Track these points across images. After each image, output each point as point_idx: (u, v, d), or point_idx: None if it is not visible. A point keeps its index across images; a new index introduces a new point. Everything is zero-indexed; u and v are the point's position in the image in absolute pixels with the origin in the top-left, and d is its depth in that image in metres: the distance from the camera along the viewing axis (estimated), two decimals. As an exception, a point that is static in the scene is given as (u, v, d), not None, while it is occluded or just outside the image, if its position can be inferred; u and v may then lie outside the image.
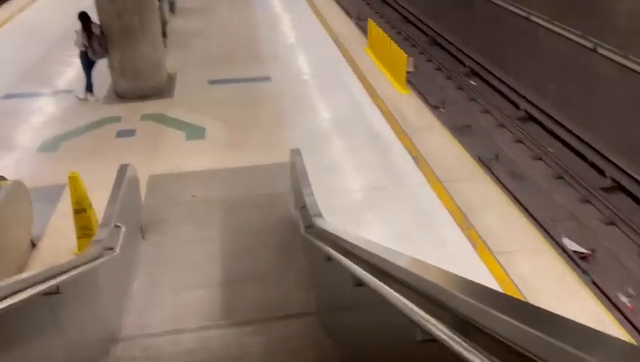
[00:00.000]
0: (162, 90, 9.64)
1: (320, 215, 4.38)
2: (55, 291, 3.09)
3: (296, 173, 5.51)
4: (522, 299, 4.98)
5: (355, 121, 8.50)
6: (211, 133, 8.26)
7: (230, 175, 7.10)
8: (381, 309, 2.38)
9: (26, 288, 2.72)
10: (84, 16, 8.83)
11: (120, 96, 9.46)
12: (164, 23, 12.15)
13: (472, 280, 1.62)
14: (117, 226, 4.59)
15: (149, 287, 5.17)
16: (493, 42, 13.09)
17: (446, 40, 15.35)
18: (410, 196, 6.58)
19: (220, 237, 5.88)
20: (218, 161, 7.45)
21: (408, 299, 1.94)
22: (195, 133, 8.28)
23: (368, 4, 20.45)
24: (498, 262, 5.47)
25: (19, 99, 9.58)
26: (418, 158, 7.36)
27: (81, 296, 3.59)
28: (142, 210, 6.10)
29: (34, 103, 9.40)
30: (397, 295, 2.11)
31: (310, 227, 4.55)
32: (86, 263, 3.53)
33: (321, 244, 3.78)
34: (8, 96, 9.65)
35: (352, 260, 2.87)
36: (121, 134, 8.26)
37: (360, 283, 2.54)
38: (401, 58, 9.46)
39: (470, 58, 13.94)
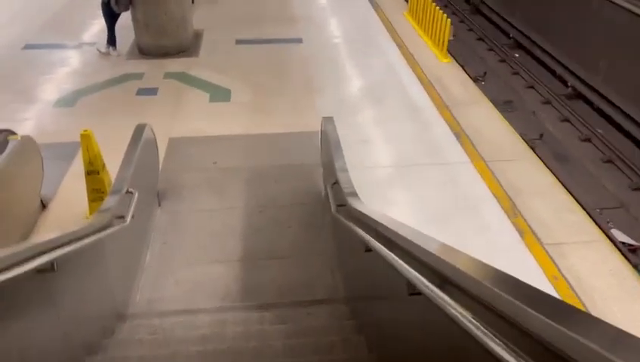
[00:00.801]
0: (187, 47, 9.11)
1: (355, 194, 3.85)
2: (50, 268, 2.66)
3: (328, 144, 4.97)
4: (576, 298, 4.43)
5: (391, 90, 7.87)
6: (237, 95, 7.73)
7: (255, 142, 6.60)
8: (433, 316, 1.91)
9: (14, 265, 2.29)
10: (108, -36, 8.29)
11: (143, 52, 8.96)
12: (192, -23, 11.53)
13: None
14: (129, 192, 4.14)
15: (163, 259, 4.76)
16: (541, 13, 12.14)
17: (489, 8, 14.37)
18: (450, 175, 5.99)
19: (242, 208, 5.42)
20: (243, 125, 6.94)
21: (470, 309, 1.56)
22: (220, 94, 7.76)
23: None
24: (548, 254, 4.89)
25: (39, 50, 9.15)
26: (460, 134, 6.74)
27: (82, 271, 3.16)
28: (159, 175, 5.65)
29: (54, 55, 8.97)
30: (453, 302, 1.67)
31: (342, 206, 4.03)
32: (88, 235, 3.09)
33: (356, 229, 3.27)
34: (28, 47, 9.24)
35: (399, 256, 2.36)
36: (142, 92, 7.79)
37: (413, 289, 2.03)
38: (444, 23, 8.72)
39: (515, 29, 13.00)
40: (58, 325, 2.86)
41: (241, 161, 6.21)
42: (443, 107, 7.36)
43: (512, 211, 5.42)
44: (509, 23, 13.27)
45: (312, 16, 10.99)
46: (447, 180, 5.90)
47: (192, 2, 11.32)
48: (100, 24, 9.52)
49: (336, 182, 4.39)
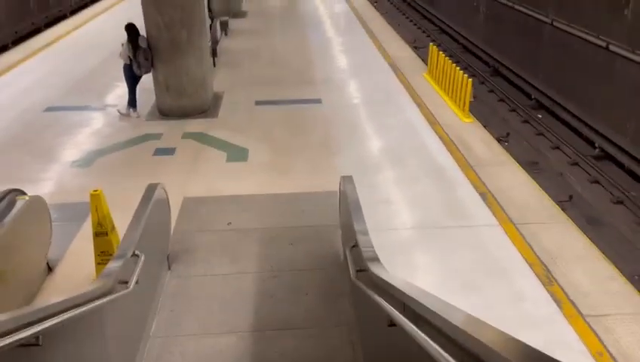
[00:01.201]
0: (207, 108, 9.12)
1: (376, 258, 3.53)
2: (34, 343, 2.37)
3: (347, 205, 4.69)
4: (628, 380, 3.93)
5: (413, 150, 7.65)
6: (254, 155, 7.59)
7: (272, 202, 6.37)
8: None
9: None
10: (130, 28, 8.46)
11: (163, 113, 8.99)
12: (215, 42, 11.83)
13: None
14: (135, 255, 3.88)
15: (169, 329, 4.42)
16: (563, 73, 12.03)
17: (509, 70, 14.38)
18: (478, 239, 5.63)
19: (256, 273, 5.09)
20: (260, 185, 6.74)
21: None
22: (238, 154, 7.63)
23: (424, 32, 19.77)
24: (591, 327, 4.42)
25: (61, 112, 9.25)
26: (486, 195, 6.42)
27: (74, 344, 2.85)
28: (170, 237, 5.41)
29: (74, 117, 9.04)
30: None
31: (363, 272, 3.70)
32: (83, 303, 2.80)
33: (378, 299, 2.93)
34: (50, 109, 9.35)
35: (428, 334, 2.02)
36: (160, 152, 7.71)
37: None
38: (465, 83, 8.60)
39: (537, 90, 12.89)
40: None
41: (256, 221, 5.95)
42: (467, 167, 7.09)
43: (547, 279, 4.99)
44: (531, 84, 13.19)
45: (331, 78, 11.04)
46: (475, 244, 5.52)
47: (214, 65, 11.53)
48: (122, 87, 9.67)
49: (355, 245, 4.08)
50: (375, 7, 19.02)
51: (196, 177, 6.99)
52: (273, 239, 5.62)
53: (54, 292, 4.90)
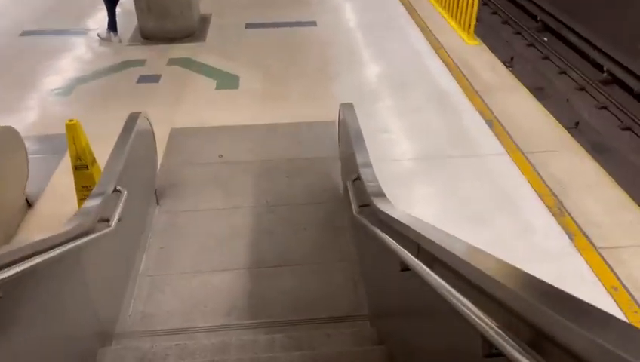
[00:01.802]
0: (193, 32, 8.49)
1: (382, 193, 3.21)
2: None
3: (347, 135, 4.32)
4: (643, 314, 3.75)
5: (415, 75, 7.18)
6: (246, 82, 7.10)
7: (266, 132, 5.97)
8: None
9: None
10: (106, -59, 7.68)
11: (146, 37, 8.36)
12: (200, -40, 10.89)
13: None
14: (117, 191, 3.54)
15: (159, 267, 4.17)
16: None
17: (514, -10, 13.54)
18: (485, 168, 5.31)
19: (250, 207, 4.80)
20: (252, 115, 6.32)
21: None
22: (228, 81, 7.13)
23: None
24: (605, 260, 4.20)
25: (36, 36, 8.60)
26: (493, 122, 6.04)
27: (48, 290, 2.56)
28: (157, 170, 5.05)
29: (52, 42, 8.39)
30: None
31: (366, 207, 3.39)
32: (54, 247, 2.49)
33: (386, 238, 2.63)
34: (25, 33, 8.68)
35: (450, 282, 1.72)
36: (144, 80, 7.19)
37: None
38: (470, 2, 7.98)
39: (543, 10, 12.18)
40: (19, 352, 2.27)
41: (249, 153, 5.59)
42: (472, 93, 6.66)
43: (559, 209, 4.73)
44: (536, 4, 12.45)
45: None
46: (482, 174, 5.21)
47: (200, -14, 10.69)
48: (102, 10, 8.92)
49: (357, 178, 3.75)
50: None
51: (184, 106, 6.54)
52: (268, 172, 5.29)
53: (36, 229, 4.60)
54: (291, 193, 4.96)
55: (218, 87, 6.99)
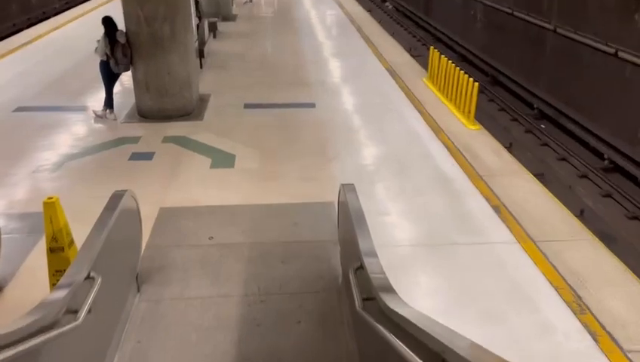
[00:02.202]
0: (191, 111, 8.40)
1: (390, 287, 2.83)
2: None
3: (348, 217, 3.99)
4: None
5: (415, 158, 6.99)
6: (242, 161, 6.88)
7: (261, 213, 5.65)
8: None
9: None
10: (108, 21, 7.75)
11: (143, 115, 8.25)
12: (202, 43, 11.16)
13: None
14: (90, 278, 3.15)
15: (134, 365, 3.67)
16: (568, 82, 11.49)
17: (509, 79, 13.84)
18: (495, 258, 4.94)
19: (240, 296, 4.36)
20: (247, 195, 6.02)
21: None
22: (223, 160, 6.91)
23: (419, 40, 19.27)
24: (635, 366, 3.75)
25: (31, 112, 8.49)
26: (500, 208, 5.75)
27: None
28: (141, 253, 4.65)
29: (46, 118, 8.27)
30: None
31: (371, 301, 3.00)
32: (6, 346, 2.07)
33: (395, 341, 2.23)
34: (21, 109, 8.58)
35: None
36: (137, 157, 6.96)
37: None
38: (471, 87, 7.98)
39: (539, 99, 12.33)
40: None
41: (242, 235, 5.23)
42: (476, 177, 6.43)
43: (578, 306, 4.31)
44: (532, 93, 12.63)
45: (326, 81, 10.40)
46: (492, 264, 4.84)
47: (201, 67, 10.84)
48: (100, 88, 8.90)
49: (360, 267, 3.38)
50: (370, 15, 18.47)
51: (176, 185, 6.26)
52: (261, 256, 4.90)
53: (1, 317, 4.13)
54: (285, 280, 4.55)
55: (213, 166, 6.75)
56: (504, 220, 5.53)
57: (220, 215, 5.60)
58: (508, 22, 14.17)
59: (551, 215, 5.70)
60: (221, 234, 5.24)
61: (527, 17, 13.12)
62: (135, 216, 4.41)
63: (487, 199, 5.94)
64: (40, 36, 13.75)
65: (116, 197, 4.00)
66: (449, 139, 7.55)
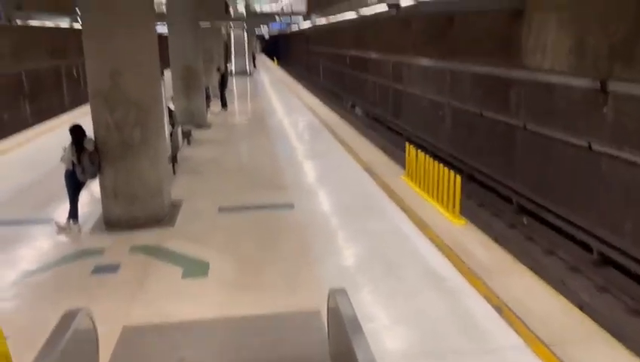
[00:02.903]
0: (162, 218, 7.92)
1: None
2: None
3: (341, 329, 3.45)
4: None
5: (403, 257, 6.54)
6: (217, 269, 6.31)
7: (238, 328, 5.01)
8: None
9: None
10: (76, 130, 7.45)
11: (110, 224, 7.72)
12: (175, 148, 10.95)
13: None
14: None
15: None
16: (545, 175, 11.53)
17: (484, 174, 13.91)
18: (505, 366, 4.37)
19: None
20: (222, 306, 5.41)
21: None
22: (196, 269, 6.34)
23: (390, 141, 19.64)
24: None
25: (-12, 226, 7.89)
26: (501, 308, 5.25)
27: None
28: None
29: (2, 232, 7.66)
30: None
31: None
32: None
33: None
34: (-24, 224, 7.98)
35: None
36: (100, 270, 6.34)
37: None
38: (453, 181, 7.78)
39: (517, 193, 12.29)
40: None
41: (217, 356, 4.56)
42: (470, 275, 5.98)
43: (612, 420, 3.71)
44: (510, 188, 12.63)
45: (303, 182, 10.16)
46: (504, 375, 4.26)
47: (174, 173, 10.54)
48: (65, 199, 8.43)
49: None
50: (341, 119, 18.88)
51: (143, 299, 5.61)
52: (240, 379, 4.22)
53: None
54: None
55: (184, 276, 6.16)
56: (508, 321, 5.01)
57: (193, 332, 4.94)
58: (478, 121, 14.54)
59: (555, 312, 5.22)
60: (193, 356, 4.56)
61: (495, 116, 13.48)
62: (91, 338, 3.76)
63: (487, 298, 5.44)
64: (3, 151, 13.39)
65: (68, 318, 3.40)
66: (436, 235, 7.19)
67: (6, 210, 8.66)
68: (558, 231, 10.61)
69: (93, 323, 3.79)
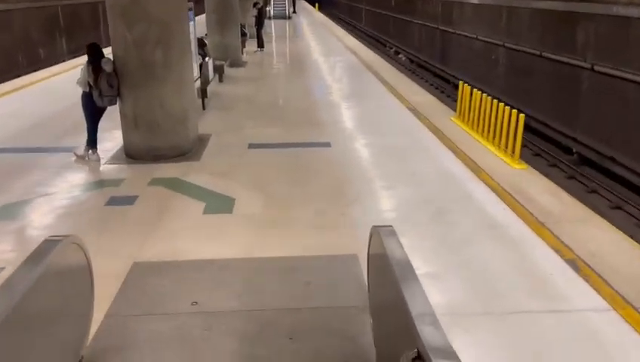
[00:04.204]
0: (187, 151, 7.25)
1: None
2: None
3: (387, 275, 2.66)
4: None
5: (455, 202, 5.68)
6: (243, 205, 5.62)
7: (262, 270, 4.32)
8: None
9: None
10: (93, 48, 6.75)
11: (131, 155, 7.10)
12: (205, 82, 10.20)
13: None
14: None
15: None
16: (610, 123, 10.26)
17: (541, 122, 12.67)
18: (587, 332, 3.53)
19: (228, 392, 2.99)
20: (246, 246, 4.72)
21: None
22: (220, 204, 5.66)
23: (437, 88, 18.36)
24: None
25: (4, 154, 7.38)
26: (577, 262, 4.38)
27: None
28: (89, 326, 3.30)
29: (19, 160, 7.14)
30: None
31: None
32: None
33: None
34: (-6, 150, 7.50)
35: None
36: (115, 201, 5.74)
37: None
38: (513, 120, 6.77)
39: (578, 142, 11.09)
40: None
41: (236, 300, 3.89)
42: (537, 224, 5.08)
43: None
44: (571, 137, 11.40)
45: (341, 121, 9.28)
46: (586, 342, 3.43)
47: (203, 108, 9.83)
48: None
49: (418, 357, 2.04)
50: (384, 61, 17.67)
51: (158, 234, 4.98)
52: (262, 330, 3.54)
53: None
54: (294, 368, 3.18)
55: (207, 211, 5.49)
56: (587, 279, 4.14)
57: (210, 272, 4.28)
58: (536, 63, 13.17)
59: (645, 271, 4.31)
60: (209, 299, 3.90)
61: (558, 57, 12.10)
62: (80, 274, 3.11)
63: (557, 251, 4.57)
64: (32, 82, 12.93)
65: (46, 247, 2.72)
66: (492, 179, 6.27)
67: (26, 138, 8.16)
68: (626, 182, 9.47)
69: (85, 255, 3.12)
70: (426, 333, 2.07)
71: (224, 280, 4.15)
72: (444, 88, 18.20)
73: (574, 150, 11.11)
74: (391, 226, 3.06)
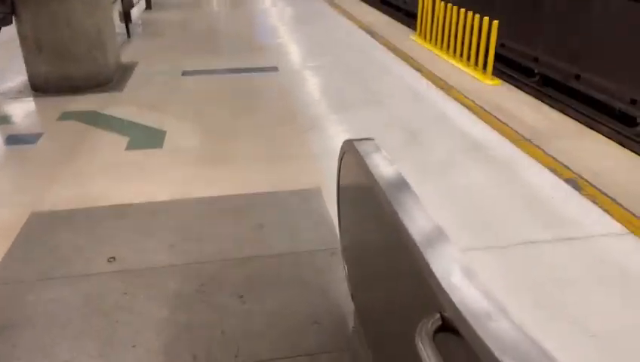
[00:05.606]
0: (108, 81, 6.07)
1: None
2: None
3: (375, 204, 1.82)
4: None
5: (429, 123, 4.89)
6: (176, 138, 4.62)
7: (200, 214, 3.42)
8: None
9: None
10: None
11: (38, 88, 5.87)
12: (128, 4, 8.79)
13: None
14: None
15: None
16: (567, 38, 9.64)
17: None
18: (605, 262, 2.88)
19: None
20: (181, 185, 3.78)
21: None
22: (148, 138, 4.64)
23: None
24: None
25: None
26: (578, 182, 3.71)
27: None
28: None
29: None
30: None
31: None
32: None
33: None
34: None
35: None
36: (13, 140, 4.62)
37: None
38: (486, 28, 5.97)
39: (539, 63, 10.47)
40: None
41: (167, 253, 2.99)
42: (524, 142, 4.38)
43: None
44: (530, 56, 10.78)
45: (290, 44, 8.20)
46: (606, 274, 2.77)
47: (128, 36, 8.51)
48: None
49: (444, 328, 1.22)
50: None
51: (67, 177, 3.95)
52: (201, 289, 2.68)
53: None
54: (248, 334, 2.35)
55: (130, 147, 4.46)
56: (593, 199, 3.48)
57: (133, 220, 3.34)
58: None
59: (655, 187, 3.70)
60: (131, 253, 2.98)
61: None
62: None
63: (554, 170, 3.88)
64: None
65: None
66: (466, 97, 5.49)
67: None
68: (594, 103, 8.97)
69: None
70: (455, 290, 1.26)
71: (151, 228, 3.22)
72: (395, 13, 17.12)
73: (536, 71, 10.52)
74: (372, 139, 2.18)
